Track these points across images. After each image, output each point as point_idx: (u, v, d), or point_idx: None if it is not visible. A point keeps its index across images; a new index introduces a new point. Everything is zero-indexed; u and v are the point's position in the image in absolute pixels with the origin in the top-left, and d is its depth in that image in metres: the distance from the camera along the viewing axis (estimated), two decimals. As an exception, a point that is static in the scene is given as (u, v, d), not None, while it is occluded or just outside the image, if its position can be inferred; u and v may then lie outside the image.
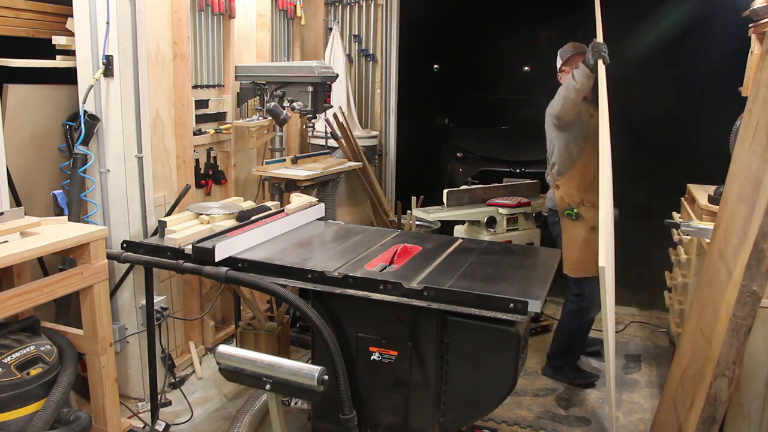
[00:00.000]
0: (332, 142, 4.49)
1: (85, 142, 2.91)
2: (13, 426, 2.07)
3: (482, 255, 2.52)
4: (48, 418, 2.09)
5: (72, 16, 2.91)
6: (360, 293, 2.10)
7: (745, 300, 1.89)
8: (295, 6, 4.70)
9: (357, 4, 5.17)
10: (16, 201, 2.78)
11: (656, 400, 3.26)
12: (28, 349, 2.16)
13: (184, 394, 3.20)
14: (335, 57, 4.94)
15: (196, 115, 3.68)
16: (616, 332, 4.23)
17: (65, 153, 3.07)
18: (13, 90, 2.84)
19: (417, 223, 4.53)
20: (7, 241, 2.19)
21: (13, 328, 2.24)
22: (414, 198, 4.53)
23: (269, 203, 3.14)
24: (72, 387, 2.27)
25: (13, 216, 2.33)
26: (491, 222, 4.13)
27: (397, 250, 2.41)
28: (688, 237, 3.42)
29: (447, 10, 6.90)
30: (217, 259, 2.34)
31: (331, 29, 5.06)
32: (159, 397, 2.93)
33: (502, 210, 4.14)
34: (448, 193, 4.33)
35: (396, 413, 2.20)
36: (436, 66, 7.90)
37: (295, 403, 2.78)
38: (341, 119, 4.56)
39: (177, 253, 2.47)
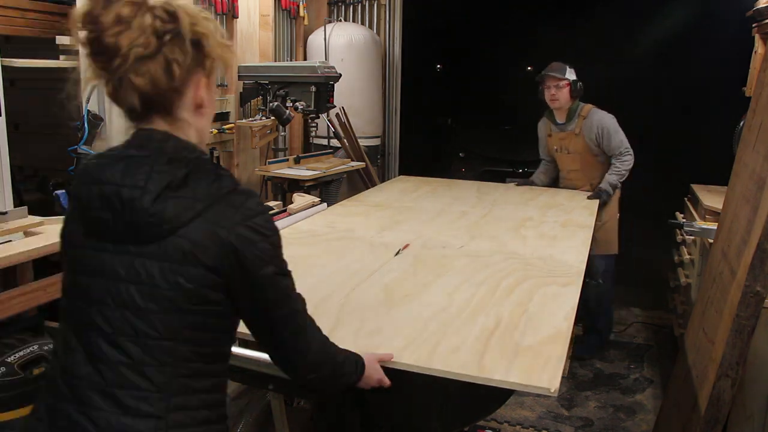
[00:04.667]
0: (335, 142, 4.50)
1: (89, 142, 2.91)
2: (17, 425, 2.08)
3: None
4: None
5: (75, 16, 2.91)
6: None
7: (749, 300, 1.89)
8: (298, 6, 4.71)
9: (360, 4, 5.17)
10: (20, 200, 2.79)
11: (659, 401, 3.26)
12: (31, 349, 2.16)
13: (186, 394, 3.20)
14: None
15: (199, 115, 3.68)
16: (618, 332, 4.23)
17: (74, 156, 3.08)
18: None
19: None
20: (10, 241, 2.20)
21: (16, 327, 2.25)
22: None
23: (272, 203, 3.14)
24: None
25: (16, 216, 2.34)
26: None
27: (401, 248, 2.43)
28: (692, 237, 3.42)
29: (449, 10, 6.90)
30: (219, 259, 2.33)
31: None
32: (162, 396, 2.92)
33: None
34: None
35: (398, 412, 2.20)
36: (438, 66, 7.90)
37: (298, 403, 2.78)
38: (343, 119, 4.56)
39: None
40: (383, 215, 2.99)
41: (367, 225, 2.78)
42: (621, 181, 3.69)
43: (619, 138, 3.65)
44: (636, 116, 4.20)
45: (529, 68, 7.15)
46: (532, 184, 4.04)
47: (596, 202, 3.46)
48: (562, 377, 3.58)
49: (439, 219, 2.96)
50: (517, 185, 4.02)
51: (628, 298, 4.75)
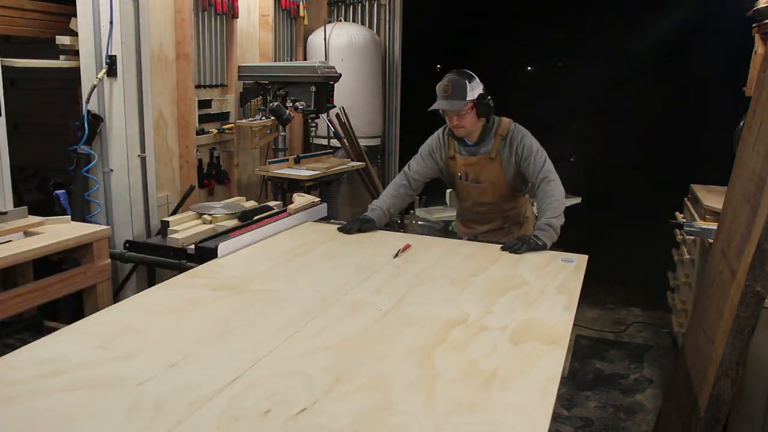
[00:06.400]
0: (335, 142, 4.50)
1: (89, 142, 2.92)
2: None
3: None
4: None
5: (75, 15, 2.92)
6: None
7: (749, 300, 1.89)
8: (298, 6, 4.71)
9: (360, 4, 5.17)
10: (20, 200, 2.79)
11: (659, 401, 3.26)
12: None
13: (186, 394, 3.18)
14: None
15: (199, 115, 3.69)
16: (618, 332, 4.22)
17: (73, 156, 3.08)
18: None
19: (420, 222, 4.53)
20: (10, 241, 2.20)
21: (16, 327, 2.25)
22: (416, 197, 4.53)
23: (272, 203, 3.14)
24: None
25: (16, 216, 2.34)
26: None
27: (400, 249, 2.43)
28: (691, 237, 3.42)
29: (449, 10, 6.92)
30: (219, 259, 2.30)
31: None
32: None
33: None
34: (450, 192, 4.33)
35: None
36: (439, 66, 7.91)
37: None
38: (343, 119, 4.56)
39: (179, 252, 2.48)
40: (216, 312, 1.74)
41: (170, 341, 1.54)
42: (561, 222, 2.63)
43: (544, 158, 2.75)
44: (636, 116, 4.20)
45: (529, 68, 7.16)
46: (370, 226, 2.77)
47: (578, 281, 2.20)
48: (562, 377, 3.58)
49: (303, 323, 1.67)
50: (342, 230, 2.73)
51: (628, 298, 4.75)
